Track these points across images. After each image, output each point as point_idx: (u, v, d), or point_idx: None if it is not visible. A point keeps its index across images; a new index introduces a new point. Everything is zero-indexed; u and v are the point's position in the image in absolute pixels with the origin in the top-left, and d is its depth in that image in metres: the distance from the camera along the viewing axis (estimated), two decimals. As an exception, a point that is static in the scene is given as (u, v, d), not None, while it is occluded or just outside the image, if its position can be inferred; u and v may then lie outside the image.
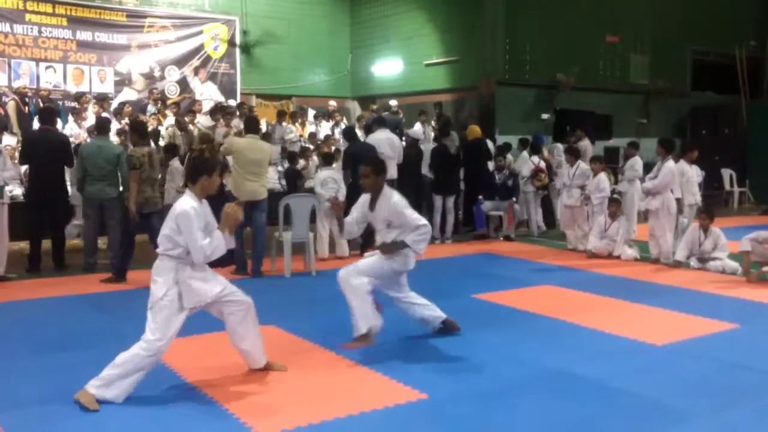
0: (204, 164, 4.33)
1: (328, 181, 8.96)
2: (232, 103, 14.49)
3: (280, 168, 10.78)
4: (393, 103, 14.21)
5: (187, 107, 13.14)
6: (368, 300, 5.02)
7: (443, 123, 11.24)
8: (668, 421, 3.93)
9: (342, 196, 8.61)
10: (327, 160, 9.36)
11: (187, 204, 4.22)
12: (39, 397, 4.23)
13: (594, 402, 4.21)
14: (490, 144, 11.61)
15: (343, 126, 13.13)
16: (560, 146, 12.40)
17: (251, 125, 8.51)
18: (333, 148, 11.27)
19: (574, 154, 10.03)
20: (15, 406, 4.07)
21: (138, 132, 7.95)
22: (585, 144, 12.14)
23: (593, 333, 5.70)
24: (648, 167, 10.06)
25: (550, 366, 4.84)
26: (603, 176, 9.67)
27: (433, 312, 5.57)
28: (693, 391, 4.37)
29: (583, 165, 9.86)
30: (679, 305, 6.54)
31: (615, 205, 9.51)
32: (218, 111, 12.59)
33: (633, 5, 15.50)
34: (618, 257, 9.13)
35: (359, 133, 11.12)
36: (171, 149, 9.57)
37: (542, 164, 11.51)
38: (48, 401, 4.16)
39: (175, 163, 9.10)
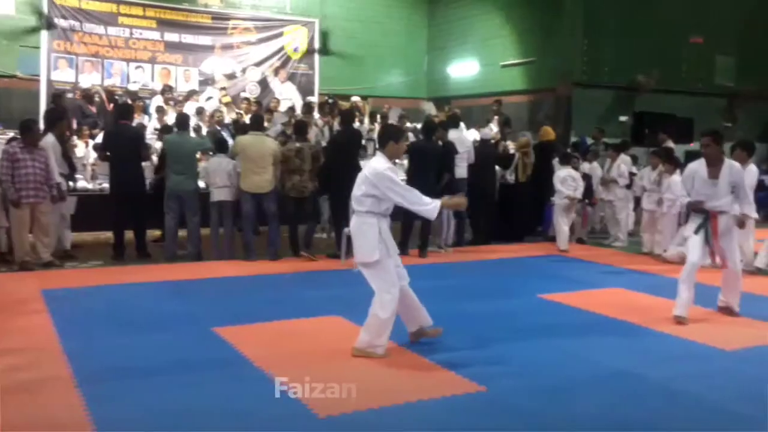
0: (392, 131, 5.19)
1: (567, 179, 9.85)
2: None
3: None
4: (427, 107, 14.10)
5: (266, 106, 13.55)
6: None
7: (425, 123, 10.31)
8: (727, 425, 3.88)
9: (580, 194, 9.90)
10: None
11: (383, 165, 4.79)
12: (118, 372, 4.52)
13: (654, 403, 4.17)
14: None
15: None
16: (625, 157, 10.95)
17: (256, 123, 8.87)
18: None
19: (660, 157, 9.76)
20: (97, 380, 4.36)
21: (297, 129, 8.97)
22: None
23: (659, 336, 5.63)
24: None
25: (612, 366, 4.81)
26: (676, 178, 9.37)
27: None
28: (756, 398, 4.25)
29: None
30: (752, 312, 6.36)
31: None
32: (324, 106, 13.31)
33: (718, 5, 14.97)
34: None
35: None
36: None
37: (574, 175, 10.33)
38: (126, 376, 4.44)
39: None
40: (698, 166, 6.21)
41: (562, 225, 9.90)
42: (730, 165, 6.10)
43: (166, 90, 13.18)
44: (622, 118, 14.10)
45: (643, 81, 13.89)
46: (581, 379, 4.58)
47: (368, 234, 4.82)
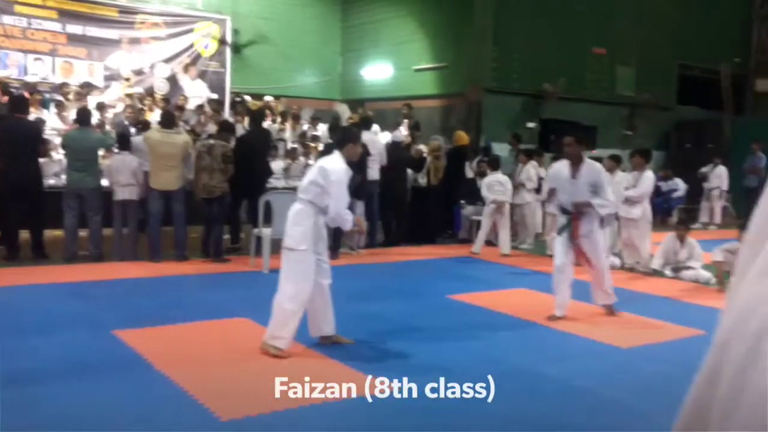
0: (351, 134, 5.40)
1: (494, 184, 9.91)
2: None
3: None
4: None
5: (174, 103, 13.17)
6: None
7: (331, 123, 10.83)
8: (625, 419, 4.05)
9: (509, 197, 9.91)
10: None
11: (342, 164, 4.93)
12: (12, 377, 4.26)
13: (555, 400, 4.30)
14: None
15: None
16: (534, 162, 11.00)
17: (167, 120, 8.66)
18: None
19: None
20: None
21: (223, 128, 8.89)
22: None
23: (561, 335, 5.81)
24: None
25: (516, 365, 4.94)
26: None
27: None
28: (652, 392, 4.47)
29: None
30: (648, 311, 6.67)
31: None
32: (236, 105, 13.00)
33: (620, 18, 15.68)
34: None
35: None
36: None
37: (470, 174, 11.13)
38: (21, 382, 4.20)
39: None
40: (561, 166, 6.37)
41: (484, 228, 10.11)
42: (590, 165, 6.23)
43: (65, 85, 12.59)
44: (530, 125, 14.53)
45: (549, 89, 14.36)
46: (484, 377, 4.66)
47: (303, 222, 4.88)
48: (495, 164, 10.44)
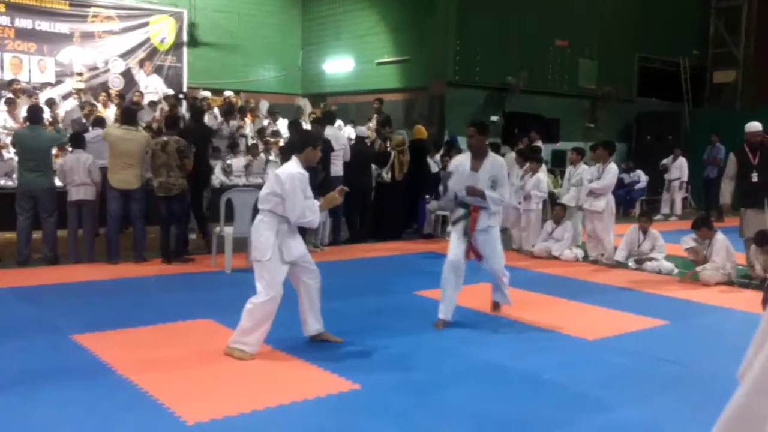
0: (311, 137, 5.28)
1: None
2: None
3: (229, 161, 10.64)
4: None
5: (130, 99, 12.84)
6: None
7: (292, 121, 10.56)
8: (592, 409, 4.05)
9: None
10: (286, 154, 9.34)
11: (297, 168, 4.81)
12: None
13: (523, 393, 4.28)
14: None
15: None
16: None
17: (128, 116, 8.43)
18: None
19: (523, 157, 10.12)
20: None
21: (168, 123, 8.57)
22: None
23: (528, 328, 5.80)
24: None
25: (483, 359, 4.91)
26: (541, 176, 9.76)
27: None
28: (618, 383, 4.51)
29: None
30: (613, 303, 6.70)
31: (561, 209, 9.60)
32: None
33: (582, 11, 15.79)
34: (557, 258, 9.26)
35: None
36: None
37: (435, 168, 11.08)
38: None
39: None
40: (464, 158, 5.95)
41: None
42: (492, 159, 5.81)
43: (15, 81, 12.18)
44: (494, 118, 14.54)
45: (513, 82, 14.39)
46: (454, 373, 4.63)
47: (264, 233, 4.80)
48: None
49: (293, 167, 4.87)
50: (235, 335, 4.81)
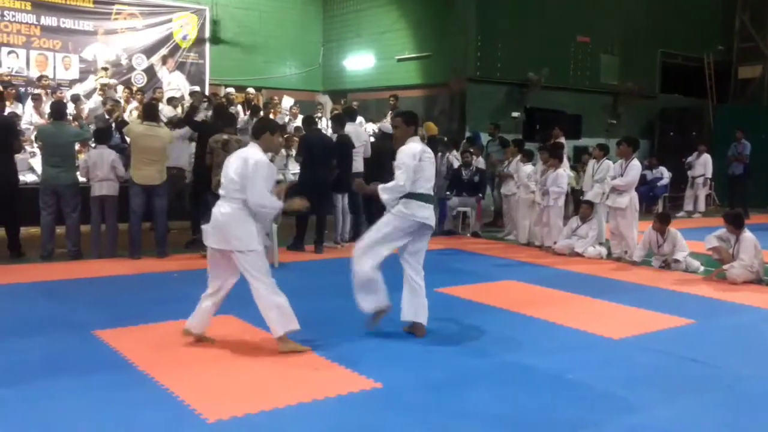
0: (268, 123, 5.15)
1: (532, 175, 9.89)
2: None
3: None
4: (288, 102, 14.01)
5: (151, 96, 12.92)
6: None
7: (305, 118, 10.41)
8: (618, 410, 3.96)
9: None
10: None
11: (260, 154, 4.73)
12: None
13: (546, 393, 4.21)
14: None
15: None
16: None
17: (150, 112, 8.41)
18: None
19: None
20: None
21: (224, 119, 8.34)
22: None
23: (552, 326, 5.72)
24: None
25: (506, 358, 4.84)
26: (561, 172, 9.62)
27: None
28: (644, 383, 4.41)
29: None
30: (638, 301, 6.59)
31: (588, 207, 9.38)
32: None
33: (604, 7, 15.62)
34: (580, 255, 9.13)
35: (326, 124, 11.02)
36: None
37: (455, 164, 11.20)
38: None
39: None
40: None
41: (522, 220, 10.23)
42: (403, 147, 5.25)
43: (43, 78, 12.29)
44: (515, 114, 14.45)
45: (534, 78, 14.27)
46: (477, 371, 4.57)
47: (246, 221, 4.69)
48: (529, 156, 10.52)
49: (257, 153, 4.74)
50: (277, 332, 4.71)
